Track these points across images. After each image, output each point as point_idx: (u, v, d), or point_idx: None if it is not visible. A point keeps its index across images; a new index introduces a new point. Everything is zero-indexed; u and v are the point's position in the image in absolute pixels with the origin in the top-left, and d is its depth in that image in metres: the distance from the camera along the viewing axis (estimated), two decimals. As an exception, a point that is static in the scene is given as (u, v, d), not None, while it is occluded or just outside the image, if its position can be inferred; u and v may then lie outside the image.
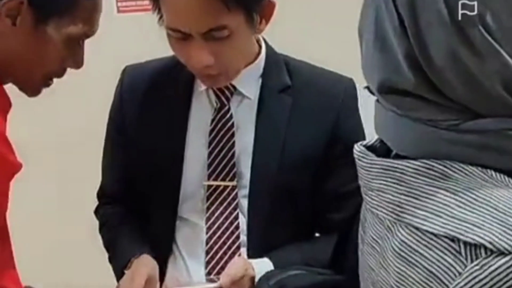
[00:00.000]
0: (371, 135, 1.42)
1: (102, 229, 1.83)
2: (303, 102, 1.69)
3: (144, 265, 1.64)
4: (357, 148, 1.10)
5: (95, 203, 1.89)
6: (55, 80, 1.44)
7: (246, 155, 1.67)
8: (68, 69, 1.44)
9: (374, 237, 1.05)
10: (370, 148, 1.09)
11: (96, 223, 1.86)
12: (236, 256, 1.64)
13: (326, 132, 1.68)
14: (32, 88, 1.42)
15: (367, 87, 1.04)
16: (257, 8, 1.56)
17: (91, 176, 1.89)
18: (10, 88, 1.41)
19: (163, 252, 1.71)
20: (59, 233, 3.53)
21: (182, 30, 1.52)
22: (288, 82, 1.70)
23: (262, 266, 1.61)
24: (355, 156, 1.09)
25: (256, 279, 1.59)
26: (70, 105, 3.39)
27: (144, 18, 3.30)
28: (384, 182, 0.99)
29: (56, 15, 1.33)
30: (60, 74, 1.42)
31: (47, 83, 1.42)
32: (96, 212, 1.87)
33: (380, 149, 1.08)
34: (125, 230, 1.77)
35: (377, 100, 1.03)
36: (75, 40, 1.38)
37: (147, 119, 1.71)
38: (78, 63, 1.42)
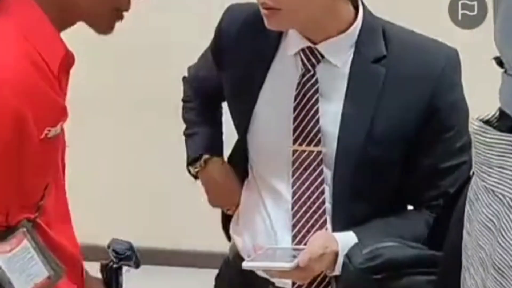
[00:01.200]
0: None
1: (184, 103, 1.95)
2: (397, 74, 1.62)
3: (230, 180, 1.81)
4: (475, 123, 1.02)
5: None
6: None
7: (332, 124, 1.65)
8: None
9: (489, 215, 0.99)
10: (487, 123, 1.03)
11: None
12: (320, 231, 1.65)
13: (422, 105, 1.61)
14: (103, 24, 1.45)
15: (496, 58, 0.98)
16: None
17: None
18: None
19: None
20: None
21: None
22: (383, 52, 1.63)
23: (346, 240, 1.60)
24: (472, 131, 1.02)
25: (340, 254, 1.59)
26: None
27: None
28: (510, 159, 0.93)
29: None
30: (126, 5, 1.45)
31: (117, 16, 1.46)
32: (184, 80, 1.97)
33: (501, 125, 1.01)
34: (207, 123, 1.90)
35: (506, 72, 0.96)
36: None
37: (233, 62, 1.75)
38: None
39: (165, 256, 3.85)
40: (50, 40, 1.37)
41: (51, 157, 1.39)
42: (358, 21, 1.65)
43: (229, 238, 1.87)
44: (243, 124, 1.74)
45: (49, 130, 1.33)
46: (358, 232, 1.62)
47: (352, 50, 1.64)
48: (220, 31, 1.80)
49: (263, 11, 1.60)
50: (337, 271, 1.60)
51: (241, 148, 1.78)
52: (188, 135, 1.92)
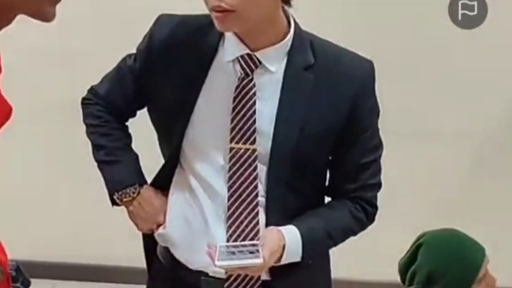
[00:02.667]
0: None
1: (94, 127, 1.99)
2: (324, 81, 1.82)
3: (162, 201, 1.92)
4: None
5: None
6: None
7: (268, 124, 1.81)
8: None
9: None
10: None
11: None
12: (270, 227, 1.81)
13: (345, 110, 1.81)
14: (40, 10, 1.36)
15: None
16: None
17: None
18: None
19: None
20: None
21: None
22: (311, 61, 1.81)
23: (291, 234, 1.81)
24: None
25: (287, 247, 1.79)
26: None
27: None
28: None
29: None
30: None
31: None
32: (86, 102, 2.01)
33: None
34: (127, 151, 2.00)
35: None
36: None
37: (167, 70, 1.86)
38: None
39: (91, 272, 3.74)
40: None
41: None
42: (291, 33, 1.82)
43: (147, 252, 2.02)
44: (181, 124, 1.84)
45: None
46: (298, 226, 1.83)
47: (286, 58, 1.82)
48: (152, 41, 1.89)
49: (215, 14, 1.72)
50: (282, 261, 1.80)
51: (173, 149, 1.88)
52: (107, 162, 1.97)
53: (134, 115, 2.00)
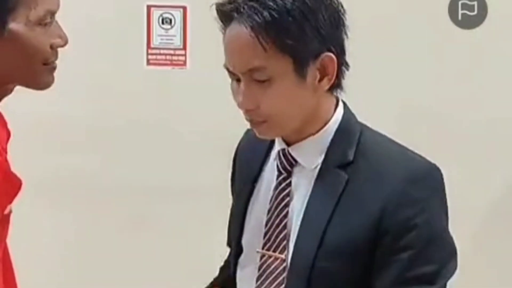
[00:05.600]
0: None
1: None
2: (358, 183, 1.55)
3: None
4: None
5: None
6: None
7: (295, 229, 1.61)
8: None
9: None
10: None
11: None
12: None
13: (371, 222, 1.52)
14: (40, 81, 1.45)
15: None
16: (306, 57, 1.53)
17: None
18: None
19: None
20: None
21: (229, 69, 1.56)
22: (350, 158, 1.57)
23: None
24: None
25: None
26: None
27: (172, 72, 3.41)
28: None
29: (10, 11, 1.36)
30: (54, 56, 1.45)
31: (50, 68, 1.45)
32: None
33: None
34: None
35: None
36: (42, 22, 1.41)
37: (235, 179, 1.82)
38: (61, 39, 1.45)
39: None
40: None
41: (5, 233, 1.37)
42: (335, 120, 1.62)
43: None
44: (236, 231, 1.73)
45: (5, 207, 1.31)
46: None
47: (325, 152, 1.60)
48: (236, 153, 1.84)
49: (248, 120, 1.60)
50: None
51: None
52: None
53: None
